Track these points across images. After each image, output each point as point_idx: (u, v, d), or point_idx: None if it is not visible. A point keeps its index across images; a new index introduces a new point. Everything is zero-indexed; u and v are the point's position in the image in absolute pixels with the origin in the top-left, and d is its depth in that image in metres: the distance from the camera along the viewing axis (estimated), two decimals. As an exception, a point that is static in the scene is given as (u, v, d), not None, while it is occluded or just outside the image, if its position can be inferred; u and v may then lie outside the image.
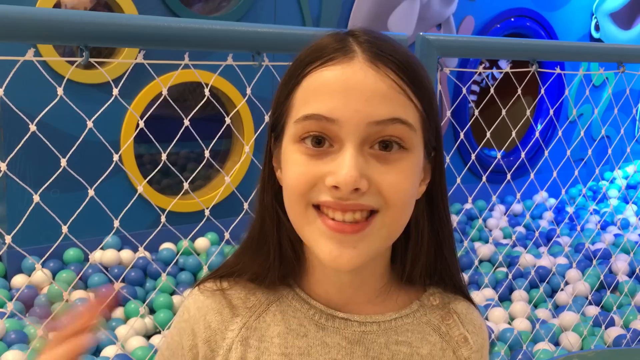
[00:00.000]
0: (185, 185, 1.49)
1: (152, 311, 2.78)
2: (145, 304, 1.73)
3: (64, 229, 1.29)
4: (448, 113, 1.68)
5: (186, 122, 1.42)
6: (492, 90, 2.02)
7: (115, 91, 1.29)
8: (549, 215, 4.30)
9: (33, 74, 1.54)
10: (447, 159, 1.71)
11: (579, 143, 4.80)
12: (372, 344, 0.70)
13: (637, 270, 3.03)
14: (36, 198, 1.24)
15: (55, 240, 1.37)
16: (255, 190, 0.74)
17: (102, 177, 1.45)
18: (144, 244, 1.53)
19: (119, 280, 1.67)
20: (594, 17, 5.27)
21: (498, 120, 1.90)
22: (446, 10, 4.29)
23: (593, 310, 2.96)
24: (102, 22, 1.10)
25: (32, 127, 1.20)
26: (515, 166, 2.17)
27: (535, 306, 3.08)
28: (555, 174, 2.09)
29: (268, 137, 0.72)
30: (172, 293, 2.82)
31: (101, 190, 1.47)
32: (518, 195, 2.02)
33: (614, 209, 4.68)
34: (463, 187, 1.92)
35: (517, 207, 4.45)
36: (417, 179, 0.66)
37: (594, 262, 2.57)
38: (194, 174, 1.59)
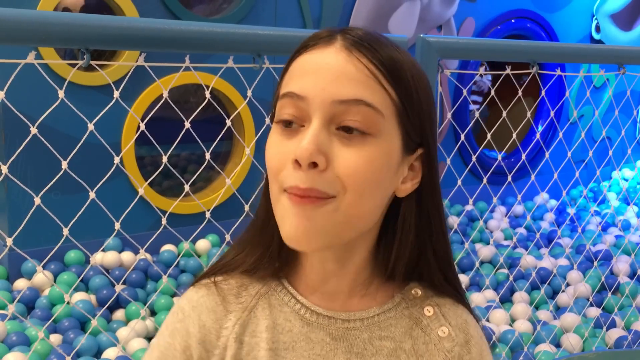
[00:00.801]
0: (186, 187, 1.49)
1: (153, 313, 2.78)
2: (146, 306, 1.74)
3: (65, 231, 1.30)
4: (449, 115, 1.68)
5: (187, 125, 1.42)
6: (492, 92, 2.02)
7: (117, 93, 1.29)
8: (550, 216, 4.30)
9: (34, 76, 1.55)
10: (448, 161, 1.71)
11: (579, 144, 4.80)
12: (355, 339, 0.71)
13: (639, 272, 3.03)
14: (37, 200, 1.25)
15: (56, 242, 1.37)
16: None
17: (103, 180, 1.45)
18: (145, 246, 1.53)
19: (120, 282, 1.67)
20: (594, 18, 5.27)
21: (499, 122, 1.90)
22: (447, 12, 4.29)
23: (594, 312, 2.95)
24: (103, 24, 1.11)
25: (34, 130, 1.20)
26: (516, 167, 2.17)
27: (537, 308, 3.07)
28: (556, 175, 2.09)
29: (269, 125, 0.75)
30: (173, 295, 2.82)
31: (102, 192, 1.47)
32: (519, 197, 2.02)
33: (614, 210, 4.67)
34: (464, 188, 1.92)
35: (518, 209, 4.45)
36: (384, 168, 0.66)
37: (595, 263, 2.57)
38: (194, 176, 1.59)
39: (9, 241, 1.23)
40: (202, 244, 3.27)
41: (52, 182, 1.35)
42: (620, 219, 4.32)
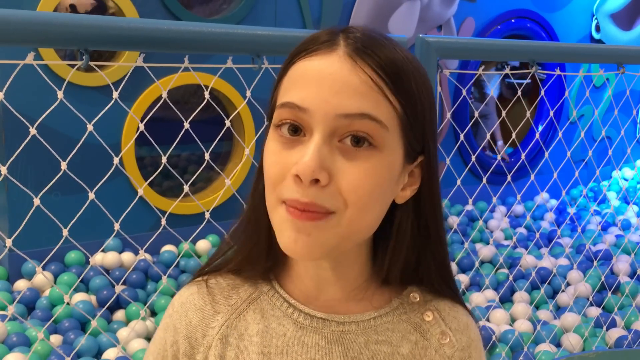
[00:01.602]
0: (186, 187, 1.49)
1: (153, 314, 2.78)
2: (147, 306, 1.74)
3: (65, 231, 1.30)
4: (448, 115, 1.68)
5: (186, 125, 1.42)
6: (491, 93, 2.02)
7: (116, 94, 1.29)
8: (550, 216, 4.30)
9: (33, 77, 1.55)
10: (448, 160, 1.71)
11: (579, 144, 4.80)
12: (351, 343, 0.69)
13: (639, 271, 3.03)
14: (37, 201, 1.25)
15: (56, 242, 1.37)
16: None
17: (103, 180, 1.45)
18: (145, 247, 1.53)
19: (120, 282, 1.67)
20: (594, 18, 5.27)
21: (498, 122, 1.90)
22: (447, 12, 4.29)
23: (594, 312, 2.95)
24: (102, 25, 1.11)
25: (33, 131, 1.20)
26: (516, 167, 2.17)
27: (537, 307, 3.07)
28: (555, 175, 2.10)
29: (266, 127, 0.73)
30: (173, 295, 2.82)
31: (102, 192, 1.47)
32: (519, 197, 2.02)
33: (614, 210, 4.67)
34: (464, 188, 1.92)
35: (518, 208, 4.45)
36: (386, 181, 0.64)
37: (595, 263, 2.57)
38: (194, 176, 1.59)
39: (9, 242, 1.23)
40: (202, 245, 3.27)
41: (51, 183, 1.35)
42: (621, 219, 4.32)
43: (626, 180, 5.24)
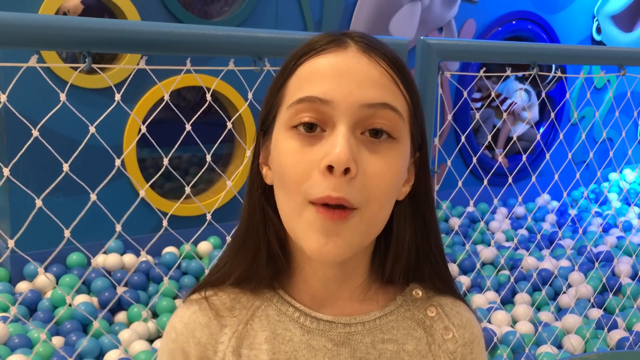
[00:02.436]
0: (187, 189, 1.49)
1: (154, 315, 2.78)
2: (148, 307, 1.74)
3: (67, 233, 1.30)
4: (449, 117, 1.69)
5: (188, 127, 1.43)
6: (493, 93, 2.03)
7: (118, 96, 1.30)
8: (551, 217, 4.30)
9: (36, 79, 1.55)
10: (449, 162, 1.71)
11: (580, 146, 4.80)
12: (358, 344, 0.70)
13: (640, 273, 3.03)
14: (39, 203, 1.25)
15: (57, 244, 1.38)
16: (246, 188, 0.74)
17: (105, 182, 1.46)
18: (147, 248, 1.53)
19: (122, 284, 1.67)
20: (595, 19, 5.27)
21: (500, 123, 1.90)
22: (447, 14, 4.29)
23: (596, 313, 2.95)
24: (104, 28, 1.11)
25: (35, 133, 1.20)
26: (517, 169, 2.17)
27: (538, 309, 3.07)
28: (557, 176, 2.10)
29: (257, 133, 0.73)
30: (175, 297, 2.82)
31: (103, 194, 1.48)
32: (520, 198, 2.03)
33: (616, 211, 4.67)
34: (465, 190, 1.92)
35: (519, 210, 4.45)
36: (401, 174, 0.66)
37: (597, 264, 2.57)
38: (195, 178, 1.60)
39: (11, 243, 1.23)
40: (204, 246, 3.27)
41: (53, 185, 1.36)
42: (622, 220, 4.32)
43: (627, 182, 5.24)
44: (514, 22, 4.65)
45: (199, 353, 0.70)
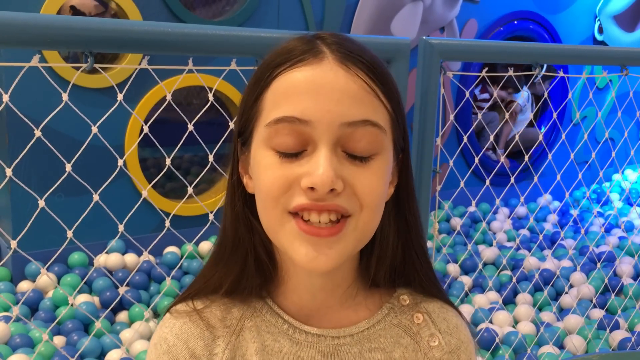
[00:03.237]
0: (190, 189, 1.49)
1: (156, 315, 2.78)
2: (150, 307, 1.74)
3: (69, 233, 1.30)
4: (451, 117, 1.68)
5: (190, 127, 1.43)
6: (495, 94, 2.03)
7: (120, 96, 1.30)
8: (553, 218, 4.30)
9: (38, 79, 1.55)
10: (451, 162, 1.71)
11: (582, 146, 4.79)
12: (346, 354, 0.69)
13: (642, 273, 3.02)
14: (41, 203, 1.25)
15: (59, 244, 1.38)
16: (223, 198, 0.72)
17: (107, 182, 1.46)
18: (149, 248, 1.53)
19: (124, 284, 1.67)
20: (597, 19, 5.26)
21: (501, 124, 1.90)
22: (449, 14, 4.29)
23: (598, 314, 2.95)
24: (106, 28, 1.11)
25: (38, 133, 1.20)
26: (519, 169, 2.17)
27: (540, 309, 3.07)
28: (559, 176, 2.09)
29: (234, 143, 0.71)
30: (176, 297, 2.82)
31: (105, 194, 1.48)
32: (522, 198, 2.02)
33: (618, 211, 4.67)
34: (467, 190, 1.92)
35: (521, 210, 4.44)
36: (387, 181, 0.66)
37: (599, 265, 2.57)
38: (198, 178, 1.60)
39: (14, 244, 1.23)
40: (205, 246, 3.27)
41: (56, 185, 1.36)
42: (624, 220, 4.31)
43: (629, 182, 5.23)
44: (515, 22, 4.65)
45: None
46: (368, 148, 0.62)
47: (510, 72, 1.72)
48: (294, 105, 0.61)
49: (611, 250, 3.49)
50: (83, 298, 2.71)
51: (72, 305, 2.57)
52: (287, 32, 1.33)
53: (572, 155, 2.07)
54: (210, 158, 1.50)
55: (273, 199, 0.62)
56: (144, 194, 1.43)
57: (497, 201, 1.95)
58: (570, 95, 4.88)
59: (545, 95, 2.20)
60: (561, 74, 2.04)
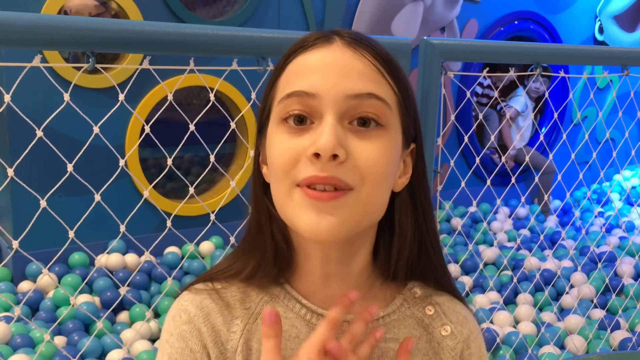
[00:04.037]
0: (191, 189, 1.49)
1: (157, 315, 2.78)
2: (151, 308, 1.74)
3: (70, 233, 1.30)
4: (452, 117, 1.68)
5: (191, 127, 1.43)
6: (496, 94, 2.03)
7: (122, 96, 1.30)
8: (553, 218, 4.29)
9: (39, 79, 1.55)
10: (452, 162, 1.71)
11: (583, 146, 4.79)
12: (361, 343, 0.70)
13: (643, 273, 3.02)
14: (42, 203, 1.25)
15: (60, 244, 1.38)
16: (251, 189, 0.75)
17: (109, 182, 1.46)
18: (150, 248, 1.53)
19: (125, 284, 1.68)
20: (597, 19, 5.26)
21: (502, 124, 1.90)
22: (450, 14, 4.29)
23: (598, 314, 2.95)
24: (108, 28, 1.11)
25: (39, 133, 1.21)
26: (519, 169, 2.17)
27: (541, 309, 3.07)
28: (559, 177, 2.09)
29: (257, 134, 0.74)
30: (177, 297, 2.82)
31: (106, 194, 1.48)
32: (522, 199, 2.02)
33: (618, 211, 4.67)
34: (467, 190, 1.92)
35: (521, 210, 4.45)
36: (393, 159, 0.67)
37: (599, 265, 2.57)
38: (199, 179, 1.60)
39: (15, 244, 1.23)
40: (206, 246, 3.27)
41: (57, 185, 1.36)
42: (624, 221, 4.31)
43: (629, 182, 5.23)
44: (516, 22, 4.65)
45: (212, 337, 0.70)
46: (375, 115, 0.65)
47: (511, 72, 1.72)
48: (303, 81, 0.65)
49: (612, 251, 3.49)
50: (84, 298, 2.71)
51: (73, 305, 2.57)
52: (288, 32, 1.33)
53: (572, 156, 2.07)
54: (211, 158, 1.50)
55: (283, 171, 0.65)
56: (145, 194, 1.43)
57: (498, 201, 1.95)
58: (570, 96, 4.88)
59: (546, 95, 2.20)
60: (562, 74, 2.03)
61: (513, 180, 1.98)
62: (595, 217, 4.28)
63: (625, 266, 3.41)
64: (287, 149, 0.65)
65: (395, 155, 0.67)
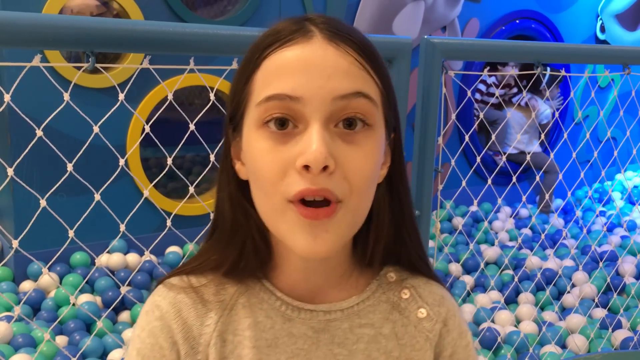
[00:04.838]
0: (191, 189, 1.49)
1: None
2: (152, 307, 1.73)
3: (71, 233, 1.30)
4: (453, 116, 1.68)
5: (192, 127, 1.43)
6: (497, 93, 2.02)
7: (122, 96, 1.30)
8: (555, 217, 4.29)
9: (40, 79, 1.55)
10: (452, 162, 1.71)
11: (584, 145, 4.79)
12: (336, 330, 0.71)
13: (644, 273, 3.02)
14: (43, 202, 1.25)
15: (61, 244, 1.38)
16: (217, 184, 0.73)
17: (109, 182, 1.46)
18: (150, 248, 1.53)
19: (125, 283, 1.67)
20: (599, 18, 5.26)
21: (502, 123, 1.90)
22: (451, 13, 4.29)
23: (600, 313, 2.95)
24: (108, 27, 1.11)
25: (39, 133, 1.20)
26: (520, 168, 2.17)
27: (542, 309, 3.07)
28: (561, 176, 2.09)
29: (225, 128, 0.71)
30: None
31: (107, 194, 1.48)
32: (524, 198, 2.02)
33: (620, 211, 4.66)
34: (469, 189, 1.91)
35: (523, 210, 4.44)
36: (379, 160, 0.66)
37: (601, 264, 2.56)
38: (199, 178, 1.60)
39: (15, 243, 1.23)
40: (207, 246, 3.27)
41: (57, 184, 1.36)
42: (626, 220, 4.31)
43: (631, 181, 5.22)
44: (517, 21, 4.64)
45: (183, 333, 0.69)
46: (360, 117, 0.63)
47: (512, 72, 1.71)
48: (284, 83, 0.61)
49: (613, 250, 3.49)
50: (85, 298, 2.71)
51: (74, 305, 2.58)
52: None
53: (574, 155, 2.06)
54: (212, 158, 1.49)
55: (271, 185, 0.62)
56: (146, 193, 1.43)
57: (499, 200, 1.95)
58: (572, 94, 4.87)
59: (547, 95, 2.20)
60: (563, 72, 2.03)
61: (514, 179, 1.98)
62: (597, 216, 4.27)
63: (627, 265, 3.40)
64: (273, 160, 0.61)
65: (381, 154, 0.66)
